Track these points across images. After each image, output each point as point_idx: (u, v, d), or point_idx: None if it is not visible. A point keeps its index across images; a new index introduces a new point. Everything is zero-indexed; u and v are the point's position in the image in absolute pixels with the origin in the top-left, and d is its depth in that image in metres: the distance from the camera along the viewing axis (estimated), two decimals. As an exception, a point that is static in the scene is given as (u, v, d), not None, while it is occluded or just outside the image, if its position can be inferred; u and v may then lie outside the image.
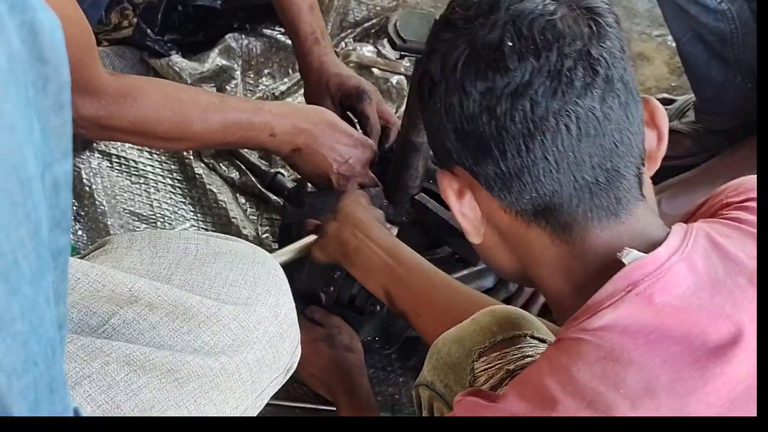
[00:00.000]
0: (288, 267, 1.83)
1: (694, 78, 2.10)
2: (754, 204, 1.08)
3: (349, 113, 2.03)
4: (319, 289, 1.87)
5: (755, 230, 1.04)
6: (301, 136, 1.79)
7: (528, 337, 1.35)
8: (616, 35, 1.03)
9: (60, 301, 0.76)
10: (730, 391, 0.94)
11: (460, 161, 1.08)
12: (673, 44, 2.50)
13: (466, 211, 1.10)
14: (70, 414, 0.82)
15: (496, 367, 1.30)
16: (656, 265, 0.98)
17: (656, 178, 2.11)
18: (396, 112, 2.35)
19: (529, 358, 1.30)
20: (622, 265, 0.99)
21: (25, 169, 0.65)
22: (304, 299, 1.89)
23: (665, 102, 2.31)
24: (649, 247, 1.01)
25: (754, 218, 1.06)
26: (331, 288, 1.88)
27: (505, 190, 1.05)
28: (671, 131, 2.18)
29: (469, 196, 1.09)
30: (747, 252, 1.01)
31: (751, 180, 1.13)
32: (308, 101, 2.06)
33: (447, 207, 1.16)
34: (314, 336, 1.80)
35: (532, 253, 1.09)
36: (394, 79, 2.45)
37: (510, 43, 1.00)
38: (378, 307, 1.86)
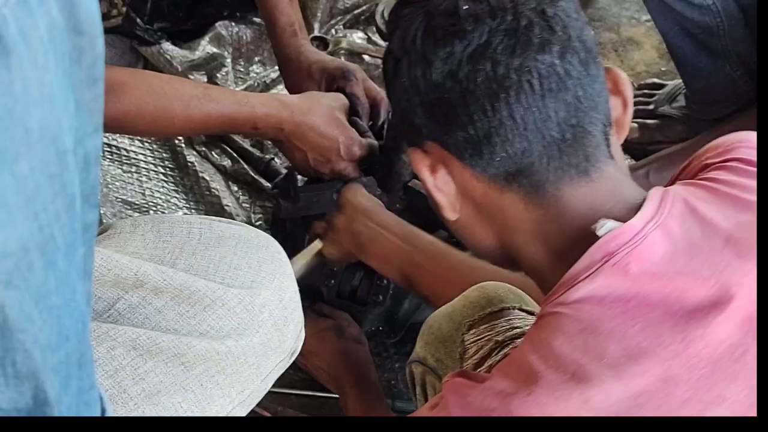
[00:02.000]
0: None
1: (683, 69, 2.11)
2: (733, 164, 1.08)
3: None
4: (319, 284, 1.87)
5: (732, 190, 1.04)
6: (282, 131, 1.79)
7: (516, 310, 1.37)
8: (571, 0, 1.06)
9: (87, 277, 0.76)
10: (711, 352, 0.94)
11: (429, 135, 1.09)
12: (663, 29, 2.51)
13: (441, 185, 1.10)
14: (95, 391, 0.82)
15: (485, 338, 1.32)
16: (631, 235, 0.98)
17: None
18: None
19: (517, 329, 1.32)
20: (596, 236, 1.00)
21: (62, 141, 0.65)
22: (304, 293, 1.89)
23: (655, 87, 2.31)
24: (625, 208, 1.03)
25: (731, 177, 1.06)
26: (332, 281, 1.88)
27: (476, 155, 1.05)
28: (662, 116, 2.22)
29: (443, 171, 1.09)
30: (723, 214, 1.01)
31: (731, 138, 1.13)
32: (291, 92, 2.04)
33: None
34: (321, 326, 1.79)
35: (507, 222, 1.09)
36: (385, 65, 2.45)
37: (465, 7, 1.02)
38: (380, 297, 1.86)
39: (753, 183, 1.05)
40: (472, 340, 1.34)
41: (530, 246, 1.09)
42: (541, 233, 1.07)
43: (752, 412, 0.94)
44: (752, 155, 1.08)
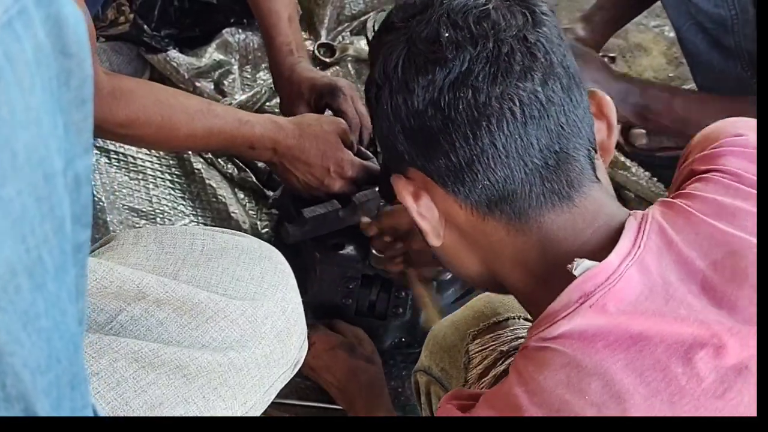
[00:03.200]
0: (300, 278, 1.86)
1: (694, 66, 2.10)
2: (716, 176, 1.07)
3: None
4: (337, 301, 1.87)
5: (708, 218, 1.02)
6: (276, 152, 1.78)
7: (521, 319, 1.37)
8: (551, 23, 1.05)
9: (80, 297, 0.75)
10: (694, 388, 0.94)
11: (412, 162, 1.08)
12: (670, 35, 2.51)
13: (424, 211, 1.10)
14: (89, 410, 0.81)
15: (490, 348, 1.32)
16: (607, 274, 0.98)
17: (655, 170, 2.12)
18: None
19: (521, 339, 1.32)
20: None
21: (50, 163, 0.65)
22: (321, 311, 1.89)
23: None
24: (606, 233, 1.02)
25: (711, 195, 1.04)
26: (350, 300, 1.87)
27: (458, 183, 1.05)
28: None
29: (426, 198, 1.09)
30: (698, 250, 1.00)
31: (721, 131, 1.12)
32: (284, 112, 2.05)
33: None
34: (333, 344, 1.80)
35: (491, 247, 1.08)
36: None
37: (446, 34, 1.02)
38: (400, 309, 1.86)
39: (732, 202, 1.03)
40: (476, 350, 1.34)
41: (515, 271, 1.08)
42: (524, 259, 1.06)
43: None
44: (736, 164, 1.07)
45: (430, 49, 1.02)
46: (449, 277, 1.86)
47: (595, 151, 1.07)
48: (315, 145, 1.80)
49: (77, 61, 0.66)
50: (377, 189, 1.88)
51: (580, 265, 0.99)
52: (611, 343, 0.95)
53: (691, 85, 2.21)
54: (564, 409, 0.94)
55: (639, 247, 0.99)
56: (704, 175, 1.08)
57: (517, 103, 1.01)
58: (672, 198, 1.07)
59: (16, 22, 0.61)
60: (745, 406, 0.93)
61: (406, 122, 1.05)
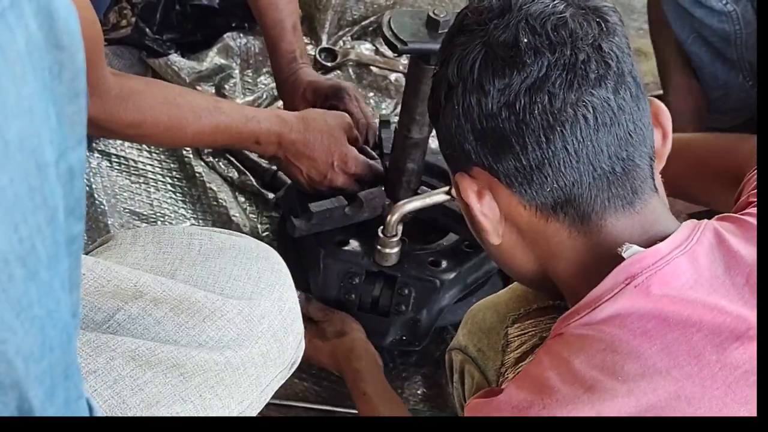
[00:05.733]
0: (303, 274, 1.86)
1: (701, 78, 2.11)
2: None
3: None
4: (340, 297, 1.88)
5: (755, 223, 1.07)
6: (281, 146, 1.80)
7: (562, 307, 1.37)
8: (622, 32, 1.08)
9: (73, 289, 0.76)
10: (726, 376, 0.97)
11: (479, 161, 1.10)
12: (671, 41, 2.51)
13: (486, 211, 1.12)
14: (83, 402, 0.82)
15: (529, 334, 1.33)
16: (655, 259, 1.01)
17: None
18: (394, 110, 2.36)
19: None
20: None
21: (42, 154, 0.66)
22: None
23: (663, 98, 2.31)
24: (662, 239, 1.05)
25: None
26: (352, 295, 1.88)
27: (525, 184, 1.07)
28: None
29: (489, 196, 1.11)
30: (750, 250, 1.04)
31: None
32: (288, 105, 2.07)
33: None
34: (309, 336, 1.81)
35: (549, 249, 1.11)
36: (393, 76, 2.45)
37: (525, 40, 1.04)
38: (403, 307, 1.87)
39: None
40: (515, 333, 1.35)
41: (568, 270, 1.11)
42: (581, 260, 1.09)
43: None
44: None
45: (509, 53, 1.04)
46: (453, 276, 1.87)
47: (654, 159, 1.10)
48: (319, 140, 1.82)
49: (69, 53, 0.67)
50: (383, 188, 1.90)
51: (630, 249, 1.03)
52: (649, 330, 0.99)
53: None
54: (595, 386, 0.97)
55: (691, 240, 1.04)
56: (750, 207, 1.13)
57: (591, 110, 1.04)
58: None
59: (8, 13, 0.62)
60: None
61: (478, 123, 1.07)
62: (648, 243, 1.04)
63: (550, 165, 1.05)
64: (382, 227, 1.81)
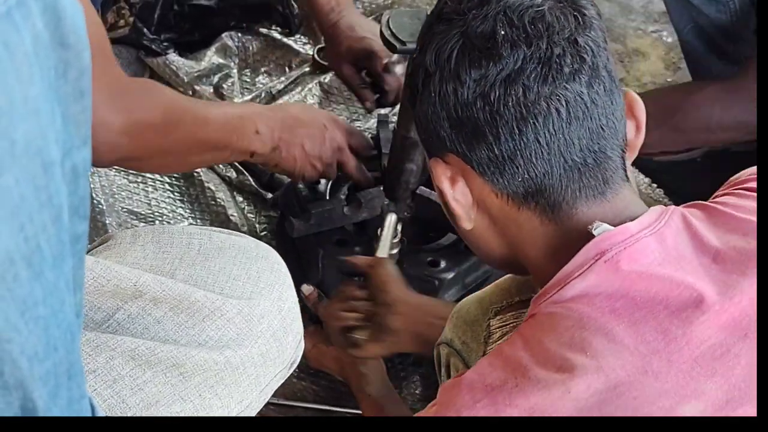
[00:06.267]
0: (302, 272, 1.85)
1: (694, 69, 2.11)
2: (740, 190, 1.14)
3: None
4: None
5: (728, 209, 1.09)
6: (274, 133, 1.72)
7: None
8: (598, 26, 1.09)
9: (77, 289, 0.76)
10: (692, 350, 0.99)
11: (453, 148, 1.11)
12: (669, 40, 2.51)
13: (459, 197, 1.13)
14: (86, 401, 0.82)
15: (511, 325, 1.34)
16: (625, 236, 1.03)
17: (654, 175, 2.13)
18: (393, 109, 2.35)
19: None
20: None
21: (48, 153, 0.66)
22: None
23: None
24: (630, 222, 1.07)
25: (734, 200, 1.12)
26: None
27: (497, 173, 1.09)
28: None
29: (462, 183, 1.13)
30: (715, 234, 1.07)
31: (753, 170, 1.18)
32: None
33: None
34: (314, 341, 1.80)
35: (521, 235, 1.13)
36: (392, 75, 2.45)
37: (503, 32, 1.05)
38: None
39: (752, 204, 1.10)
40: (497, 325, 1.37)
41: (541, 258, 1.13)
42: (552, 245, 1.11)
43: (728, 408, 0.99)
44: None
45: (485, 44, 1.06)
46: (452, 276, 1.87)
47: (625, 150, 1.12)
48: (309, 118, 1.79)
49: (75, 52, 0.67)
50: (382, 188, 1.90)
51: (600, 227, 1.05)
52: (618, 308, 1.01)
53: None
54: (565, 365, 0.99)
55: (660, 222, 1.05)
56: (735, 190, 1.16)
57: (564, 104, 1.05)
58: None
59: (15, 13, 0.62)
60: (742, 367, 0.99)
61: (453, 111, 1.09)
62: (618, 224, 1.06)
63: (522, 156, 1.07)
64: (380, 228, 1.82)
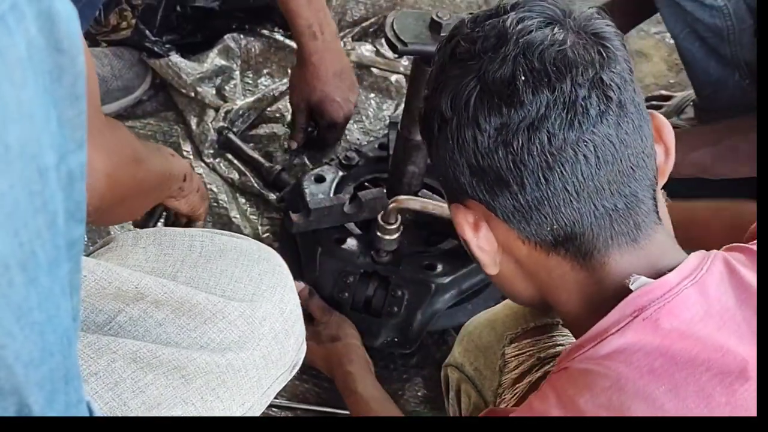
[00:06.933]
0: (298, 272, 1.85)
1: (693, 74, 2.09)
2: None
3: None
4: (333, 294, 1.88)
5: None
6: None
7: (560, 326, 1.35)
8: (623, 58, 1.03)
9: (74, 293, 0.76)
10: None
11: (474, 195, 1.06)
12: (671, 41, 2.50)
13: (483, 244, 1.09)
14: (84, 406, 0.82)
15: (528, 353, 1.31)
16: (664, 291, 0.98)
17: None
18: (395, 110, 2.35)
19: (560, 347, 1.31)
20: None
21: (42, 158, 0.66)
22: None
23: (663, 98, 2.31)
24: (668, 272, 1.01)
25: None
26: (346, 294, 1.88)
27: (523, 222, 1.04)
28: (671, 128, 2.21)
29: (485, 229, 1.08)
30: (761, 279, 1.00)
31: None
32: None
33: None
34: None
35: (551, 281, 1.08)
36: (393, 77, 2.45)
37: (523, 78, 0.99)
38: (395, 309, 1.86)
39: None
40: (513, 353, 1.34)
41: (571, 303, 1.08)
42: (585, 293, 1.06)
43: None
44: None
45: (506, 91, 0.99)
46: (448, 281, 1.87)
47: (657, 183, 1.06)
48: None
49: (69, 57, 0.67)
50: (384, 189, 1.90)
51: (638, 281, 0.99)
52: (657, 368, 0.96)
53: (691, 91, 2.21)
54: None
55: (701, 270, 1.00)
56: None
57: (592, 150, 1.00)
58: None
59: (8, 17, 0.62)
60: None
61: (474, 159, 1.03)
62: (655, 276, 1.01)
63: (549, 205, 1.01)
64: (382, 213, 1.82)
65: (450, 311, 1.90)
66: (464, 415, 1.42)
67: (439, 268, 1.89)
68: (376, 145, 2.10)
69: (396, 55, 2.02)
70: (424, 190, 1.93)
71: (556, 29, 1.01)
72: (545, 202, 1.01)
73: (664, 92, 2.35)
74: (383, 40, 2.43)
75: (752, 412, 0.94)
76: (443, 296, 1.89)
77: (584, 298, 1.06)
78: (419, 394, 1.93)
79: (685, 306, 0.98)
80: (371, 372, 1.78)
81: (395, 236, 1.84)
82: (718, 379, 0.95)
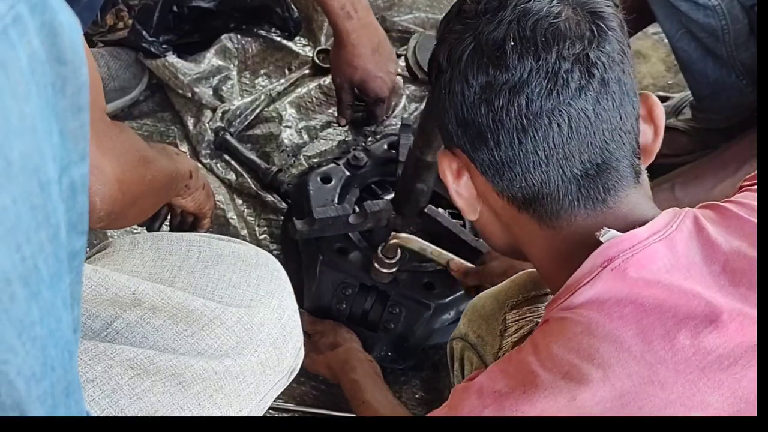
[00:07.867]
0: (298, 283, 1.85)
1: (690, 76, 2.09)
2: (752, 187, 1.15)
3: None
4: (331, 305, 1.87)
5: (741, 211, 1.09)
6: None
7: None
8: (616, 38, 1.07)
9: (75, 304, 0.75)
10: (699, 360, 0.99)
11: (459, 144, 1.13)
12: (669, 42, 2.50)
13: (462, 190, 1.17)
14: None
15: (527, 319, 1.37)
16: (633, 243, 1.03)
17: (651, 175, 2.12)
18: (392, 111, 2.34)
19: None
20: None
21: (45, 171, 0.65)
22: (315, 313, 1.90)
23: (661, 100, 2.30)
24: (639, 226, 1.06)
25: (748, 201, 1.11)
26: (344, 305, 1.87)
27: (497, 176, 1.11)
28: (668, 129, 2.20)
29: (466, 177, 1.15)
30: (727, 238, 1.06)
31: None
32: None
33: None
34: (305, 350, 1.81)
35: (522, 235, 1.15)
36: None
37: (512, 43, 1.05)
38: (392, 325, 1.86)
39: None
40: (513, 319, 1.39)
41: (542, 257, 1.15)
42: (553, 249, 1.12)
43: None
44: None
45: (495, 53, 1.06)
46: (446, 301, 1.88)
47: (639, 158, 1.11)
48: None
49: (72, 68, 0.66)
50: (390, 200, 1.89)
51: (608, 233, 1.05)
52: (626, 314, 1.01)
53: (688, 92, 2.20)
54: (572, 372, 0.99)
55: (671, 227, 1.05)
56: (751, 186, 1.16)
57: (566, 120, 1.06)
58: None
59: (10, 30, 0.61)
60: (749, 380, 0.98)
61: (460, 110, 1.10)
62: (626, 229, 1.05)
63: (520, 164, 1.08)
64: (382, 246, 1.81)
65: (447, 327, 1.89)
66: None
67: (438, 287, 1.88)
68: (385, 146, 2.09)
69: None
70: (431, 206, 1.92)
71: (555, 2, 1.07)
72: (516, 162, 1.08)
73: (661, 93, 2.34)
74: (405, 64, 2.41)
75: (716, 353, 0.99)
76: (441, 316, 1.89)
77: (553, 253, 1.13)
78: (417, 396, 1.93)
79: (653, 258, 1.03)
80: (376, 374, 1.79)
81: (393, 270, 1.83)
82: (683, 323, 1.00)
